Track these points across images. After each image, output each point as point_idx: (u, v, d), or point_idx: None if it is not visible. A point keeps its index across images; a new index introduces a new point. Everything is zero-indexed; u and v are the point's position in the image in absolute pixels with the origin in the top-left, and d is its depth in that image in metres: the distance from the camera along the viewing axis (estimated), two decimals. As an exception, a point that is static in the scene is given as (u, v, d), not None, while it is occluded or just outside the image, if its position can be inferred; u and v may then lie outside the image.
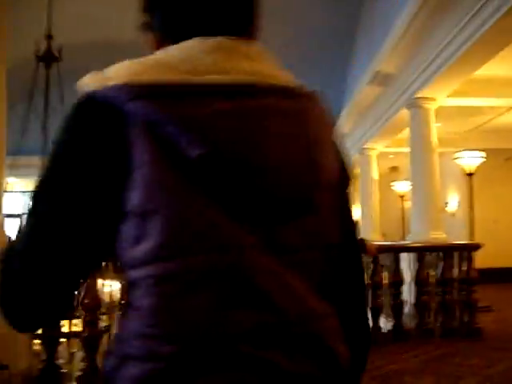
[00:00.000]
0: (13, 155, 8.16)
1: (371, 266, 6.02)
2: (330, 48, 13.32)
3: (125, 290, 0.83)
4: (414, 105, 8.47)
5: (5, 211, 4.52)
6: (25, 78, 7.26)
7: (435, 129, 8.45)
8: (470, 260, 6.43)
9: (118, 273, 4.19)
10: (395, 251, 6.38)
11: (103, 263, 0.94)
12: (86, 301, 4.25)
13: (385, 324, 6.19)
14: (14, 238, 0.86)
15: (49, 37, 7.07)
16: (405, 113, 8.92)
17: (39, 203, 0.83)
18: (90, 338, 3.95)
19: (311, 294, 0.88)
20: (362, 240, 3.18)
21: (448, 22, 6.77)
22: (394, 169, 16.16)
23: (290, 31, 12.83)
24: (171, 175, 0.78)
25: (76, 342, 5.46)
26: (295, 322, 0.83)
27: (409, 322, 6.32)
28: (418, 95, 8.27)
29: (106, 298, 5.59)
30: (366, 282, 5.97)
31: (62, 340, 4.86)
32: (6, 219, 5.17)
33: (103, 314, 4.88)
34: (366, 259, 6.17)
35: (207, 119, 0.79)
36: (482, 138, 11.73)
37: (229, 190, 0.80)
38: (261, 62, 0.92)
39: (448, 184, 13.51)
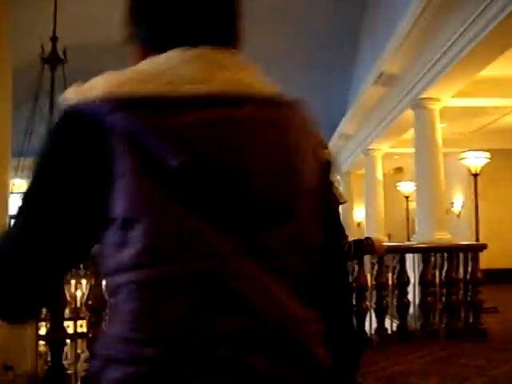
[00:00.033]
0: (18, 157, 8.19)
1: (376, 266, 6.02)
2: (334, 49, 13.33)
3: (108, 295, 0.83)
4: (419, 105, 8.46)
5: (11, 212, 4.53)
6: (30, 79, 7.28)
7: (440, 129, 8.43)
8: (475, 261, 6.41)
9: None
10: (400, 252, 6.37)
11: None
12: (89, 302, 4.27)
13: (390, 325, 6.18)
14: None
15: (53, 39, 7.09)
16: (409, 113, 8.91)
17: (25, 211, 0.86)
18: (94, 339, 3.95)
19: (292, 300, 0.89)
20: (369, 239, 3.17)
21: (452, 23, 6.76)
22: (399, 169, 16.14)
23: (295, 33, 12.85)
24: (152, 185, 0.80)
25: (81, 342, 5.48)
26: (275, 328, 0.85)
27: (414, 322, 6.31)
28: (423, 96, 8.26)
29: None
30: (372, 283, 5.97)
31: (67, 341, 4.87)
32: (13, 220, 5.17)
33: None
34: (371, 260, 6.17)
35: (185, 129, 0.81)
36: (486, 139, 11.71)
37: (208, 198, 0.82)
38: (242, 72, 0.93)
39: (453, 184, 13.49)
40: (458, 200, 14.03)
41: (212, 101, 0.85)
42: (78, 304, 5.82)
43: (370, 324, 5.94)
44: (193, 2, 0.97)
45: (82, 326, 5.33)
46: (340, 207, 3.09)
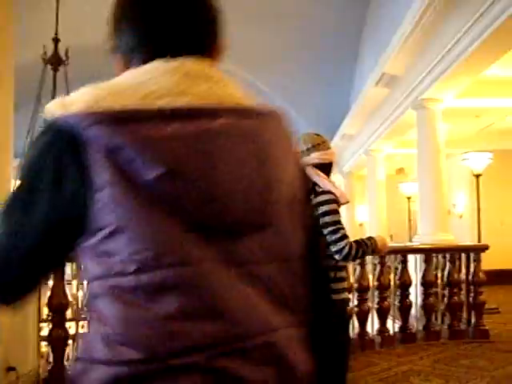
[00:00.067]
0: (20, 157, 8.20)
1: (378, 267, 6.02)
2: (336, 49, 13.32)
3: (92, 299, 0.88)
4: (421, 106, 8.45)
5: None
6: (32, 80, 7.29)
7: (442, 130, 8.42)
8: (477, 261, 6.41)
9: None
10: (402, 253, 6.36)
11: None
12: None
13: (392, 326, 6.18)
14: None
15: (56, 40, 7.09)
16: (412, 114, 8.90)
17: (8, 212, 0.91)
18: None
19: (267, 306, 0.92)
20: (371, 238, 3.16)
21: (455, 23, 6.75)
22: (401, 170, 16.13)
23: (297, 33, 12.84)
24: (131, 196, 0.84)
25: (83, 343, 5.48)
26: (249, 334, 0.88)
27: (416, 323, 6.31)
28: (425, 96, 8.25)
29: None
30: (374, 284, 5.97)
31: (69, 342, 4.87)
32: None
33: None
34: (373, 261, 6.17)
35: (161, 142, 0.85)
36: (489, 140, 11.70)
37: (184, 208, 0.86)
38: (219, 84, 0.97)
39: (455, 185, 13.47)
40: (461, 201, 14.01)
41: (187, 114, 0.89)
42: (80, 305, 5.83)
43: (372, 325, 5.94)
44: (171, 14, 1.00)
45: (84, 327, 5.33)
46: (342, 207, 3.09)
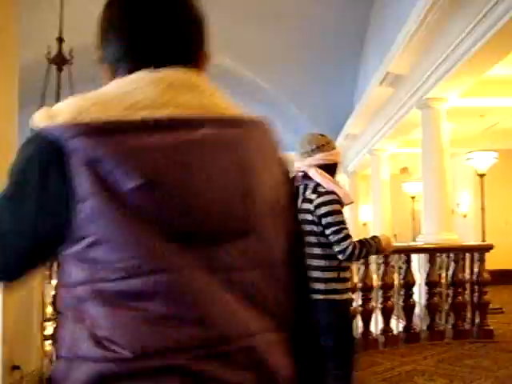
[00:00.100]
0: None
1: (382, 267, 6.01)
2: (340, 49, 13.32)
3: (76, 301, 0.91)
4: (425, 105, 8.43)
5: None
6: (36, 80, 7.31)
7: (447, 129, 8.41)
8: (481, 261, 6.40)
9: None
10: (406, 252, 6.36)
11: None
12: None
13: (396, 325, 6.17)
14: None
15: (60, 40, 7.10)
16: (416, 113, 8.88)
17: None
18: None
19: (248, 311, 0.94)
20: (375, 237, 3.16)
21: (459, 22, 6.73)
22: (405, 170, 16.10)
23: (302, 33, 12.84)
24: (112, 207, 0.86)
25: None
26: (228, 338, 0.91)
27: (420, 323, 6.30)
28: (429, 96, 8.23)
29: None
30: (378, 283, 5.96)
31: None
32: None
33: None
34: (377, 260, 6.17)
35: (140, 153, 0.88)
36: (493, 139, 11.67)
37: (164, 217, 0.88)
38: (203, 94, 0.99)
39: (459, 185, 13.45)
40: (465, 200, 13.99)
41: (167, 125, 0.91)
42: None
43: (376, 324, 5.94)
44: (156, 25, 1.03)
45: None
46: (346, 207, 3.09)
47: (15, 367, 3.57)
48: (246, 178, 0.96)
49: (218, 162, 0.93)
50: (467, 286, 6.45)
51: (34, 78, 7.27)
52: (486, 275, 6.37)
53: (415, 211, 14.85)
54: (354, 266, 5.53)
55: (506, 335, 6.47)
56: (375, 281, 5.97)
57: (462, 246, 7.09)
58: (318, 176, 3.01)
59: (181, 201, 0.89)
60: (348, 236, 2.94)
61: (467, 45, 6.67)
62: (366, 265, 5.71)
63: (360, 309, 5.67)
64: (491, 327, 6.34)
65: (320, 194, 2.98)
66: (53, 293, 4.21)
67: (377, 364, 5.10)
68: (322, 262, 2.99)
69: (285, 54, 13.67)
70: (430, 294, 6.23)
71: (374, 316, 5.84)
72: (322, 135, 3.19)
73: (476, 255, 6.47)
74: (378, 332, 5.93)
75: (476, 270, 6.39)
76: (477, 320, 6.34)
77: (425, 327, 6.23)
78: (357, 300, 5.63)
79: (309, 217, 3.01)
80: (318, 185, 3.02)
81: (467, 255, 6.57)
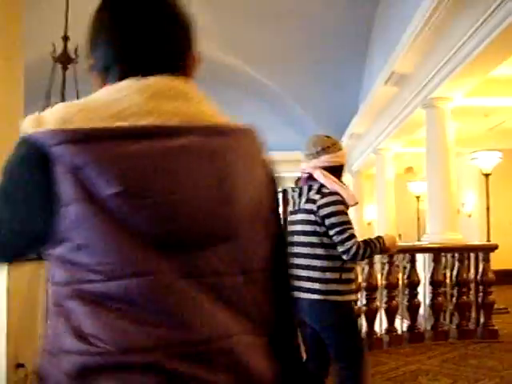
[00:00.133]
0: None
1: (386, 266, 6.00)
2: (345, 48, 13.31)
3: (61, 299, 0.95)
4: (430, 105, 8.41)
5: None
6: (42, 78, 7.32)
7: (452, 129, 8.39)
8: (486, 261, 6.39)
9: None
10: (411, 252, 6.35)
11: None
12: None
13: (400, 325, 6.16)
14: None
15: (65, 38, 7.11)
16: (420, 113, 8.87)
17: None
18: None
19: (226, 314, 0.97)
20: (380, 237, 3.16)
21: (464, 22, 6.72)
22: (410, 169, 16.08)
23: (306, 33, 12.84)
24: (93, 213, 0.90)
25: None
26: (205, 339, 0.93)
27: (424, 323, 6.29)
28: (434, 95, 8.22)
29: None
30: (382, 283, 5.95)
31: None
32: None
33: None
34: (382, 260, 6.16)
35: (120, 161, 0.90)
36: (498, 139, 11.64)
37: (144, 222, 0.91)
38: (188, 102, 1.01)
39: (464, 185, 13.43)
40: (470, 200, 13.96)
41: (149, 133, 0.94)
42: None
43: (381, 324, 5.93)
44: (144, 34, 1.05)
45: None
46: (351, 207, 3.08)
47: (20, 365, 3.57)
48: (228, 186, 0.98)
49: (198, 170, 0.95)
50: (472, 285, 6.44)
51: (38, 77, 7.28)
52: (490, 275, 6.35)
53: (420, 211, 14.82)
54: (358, 266, 5.53)
55: (510, 335, 6.45)
56: (380, 280, 5.96)
57: (467, 246, 7.08)
58: (322, 178, 3.02)
59: (159, 209, 0.92)
60: (352, 236, 2.94)
61: (472, 45, 6.66)
62: (371, 264, 5.70)
63: (364, 308, 5.66)
64: (496, 327, 6.33)
65: (324, 195, 2.98)
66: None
67: (381, 363, 5.10)
68: (323, 263, 2.99)
69: (290, 54, 13.67)
70: (435, 294, 6.22)
71: (378, 315, 5.83)
72: (328, 137, 3.19)
73: (481, 255, 6.46)
74: (383, 332, 5.92)
75: (481, 269, 6.38)
76: (481, 320, 6.33)
77: (429, 327, 6.22)
78: (361, 299, 5.63)
79: (312, 217, 3.01)
80: (322, 186, 3.02)
81: (472, 255, 6.56)
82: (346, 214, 2.99)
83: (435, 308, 6.22)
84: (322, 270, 2.97)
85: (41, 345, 0.97)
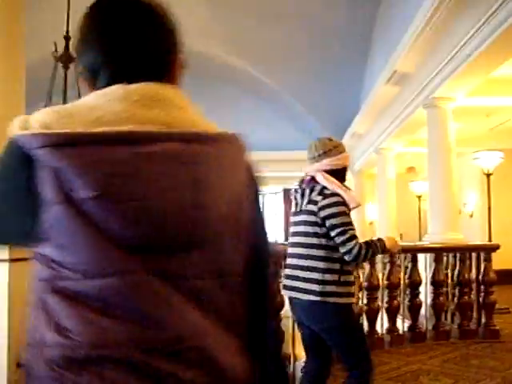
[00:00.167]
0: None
1: (387, 266, 6.00)
2: (347, 48, 13.31)
3: (41, 294, 1.00)
4: (432, 105, 8.41)
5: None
6: (43, 78, 7.32)
7: (453, 129, 8.38)
8: (487, 261, 6.39)
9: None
10: (412, 251, 6.35)
11: None
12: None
13: (401, 325, 6.16)
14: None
15: (67, 38, 7.11)
16: (422, 112, 8.86)
17: None
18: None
19: (198, 314, 1.00)
20: (380, 239, 3.16)
21: (466, 21, 6.72)
22: (411, 169, 16.08)
23: (308, 32, 12.84)
24: (71, 214, 0.93)
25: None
26: (178, 336, 0.97)
27: (425, 323, 6.29)
28: (436, 95, 8.21)
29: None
30: (384, 283, 5.95)
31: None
32: None
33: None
34: (383, 259, 6.16)
35: (97, 166, 0.94)
36: (500, 138, 11.63)
37: (118, 225, 0.95)
38: (174, 108, 1.04)
39: (466, 184, 13.42)
40: (471, 200, 13.95)
41: (128, 138, 0.97)
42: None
43: (382, 324, 5.93)
44: (131, 41, 1.08)
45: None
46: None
47: (21, 365, 3.58)
48: (202, 193, 1.00)
49: (173, 176, 0.98)
50: (473, 285, 6.44)
51: (40, 77, 7.29)
52: (492, 275, 6.35)
53: (421, 210, 14.82)
54: (360, 269, 5.52)
55: (512, 335, 6.45)
56: (381, 280, 5.96)
57: (469, 246, 7.07)
58: (324, 180, 3.03)
59: (131, 213, 0.95)
60: (354, 237, 2.94)
61: (473, 45, 6.66)
62: (372, 264, 5.70)
63: (365, 308, 5.66)
64: (497, 327, 6.32)
65: (325, 196, 2.99)
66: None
67: (382, 363, 5.09)
68: (322, 264, 2.99)
69: (292, 53, 13.67)
70: (436, 294, 6.21)
71: (379, 315, 5.83)
72: (330, 139, 3.20)
73: (482, 255, 6.46)
74: (384, 331, 5.92)
75: (482, 269, 6.37)
76: (483, 320, 6.32)
77: (430, 327, 6.22)
78: (362, 299, 5.63)
79: (312, 218, 3.01)
80: (324, 188, 3.03)
81: (473, 255, 6.56)
82: (348, 215, 3.00)
83: (436, 308, 6.21)
84: (321, 271, 2.97)
85: (26, 337, 1.01)
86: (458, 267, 6.39)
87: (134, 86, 1.03)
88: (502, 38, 6.09)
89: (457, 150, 8.59)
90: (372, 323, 5.70)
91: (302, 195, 3.13)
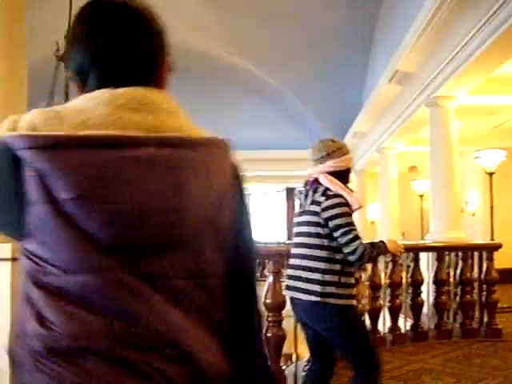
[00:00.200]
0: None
1: (390, 265, 6.00)
2: (349, 47, 13.31)
3: (26, 289, 1.05)
4: (434, 103, 8.41)
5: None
6: (45, 77, 7.34)
7: (455, 128, 8.38)
8: (490, 260, 6.38)
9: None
10: (415, 250, 6.34)
11: None
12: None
13: (403, 324, 6.16)
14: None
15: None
16: (424, 111, 8.86)
17: None
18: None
19: (176, 313, 1.02)
20: (382, 242, 3.16)
21: (468, 20, 6.71)
22: (414, 168, 16.07)
23: (309, 32, 12.85)
24: (53, 213, 0.97)
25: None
26: (155, 331, 0.99)
27: (427, 322, 6.29)
28: (438, 94, 8.21)
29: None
30: (386, 281, 5.95)
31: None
32: None
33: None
34: (385, 259, 6.16)
35: (78, 168, 0.97)
36: (502, 137, 11.62)
37: (94, 226, 0.98)
38: (158, 113, 1.06)
39: (468, 183, 13.41)
40: (473, 199, 13.94)
41: (110, 142, 0.99)
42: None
43: (384, 323, 5.93)
44: (118, 46, 1.10)
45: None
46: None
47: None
48: (181, 196, 1.02)
49: (153, 180, 1.00)
50: (475, 284, 6.43)
51: (42, 77, 7.30)
52: (494, 274, 6.35)
53: (423, 209, 14.81)
54: (363, 272, 5.52)
55: (514, 334, 6.44)
56: (383, 279, 5.96)
57: (471, 245, 7.06)
58: (327, 182, 3.03)
59: (108, 214, 0.98)
60: (357, 237, 2.94)
61: (475, 44, 6.66)
62: (374, 263, 5.70)
63: (368, 307, 5.66)
64: (499, 326, 6.32)
65: (328, 197, 2.99)
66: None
67: (384, 362, 5.05)
68: (323, 265, 2.98)
69: (293, 54, 13.68)
70: (438, 293, 6.21)
71: (381, 314, 5.83)
72: (334, 141, 3.20)
73: (484, 254, 6.46)
74: (386, 330, 5.92)
75: (484, 268, 6.37)
76: (485, 319, 6.32)
77: (433, 326, 6.21)
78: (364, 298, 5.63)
79: (315, 219, 3.01)
80: (327, 189, 3.03)
81: (475, 254, 6.55)
82: (351, 215, 3.00)
83: (439, 307, 6.21)
84: (322, 271, 2.97)
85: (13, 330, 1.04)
86: (460, 266, 6.39)
87: (121, 90, 1.05)
88: (503, 38, 6.09)
89: (459, 148, 8.59)
90: (374, 322, 5.70)
91: (306, 196, 3.14)
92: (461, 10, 6.70)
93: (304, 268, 3.05)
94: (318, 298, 2.95)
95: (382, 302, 5.84)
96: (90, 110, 1.02)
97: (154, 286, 1.00)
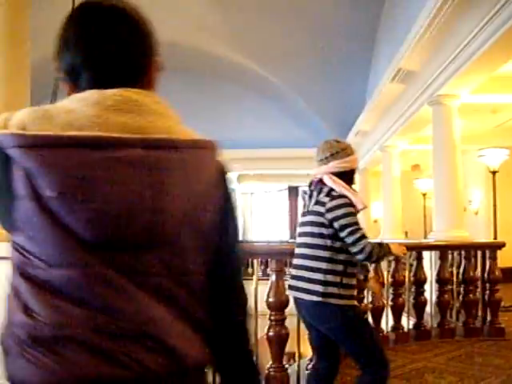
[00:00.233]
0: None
1: (392, 264, 6.00)
2: (352, 46, 13.31)
3: (14, 282, 1.09)
4: (437, 102, 8.39)
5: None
6: (47, 77, 7.36)
7: (458, 126, 8.37)
8: (493, 259, 6.38)
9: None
10: (417, 249, 6.34)
11: None
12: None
13: (406, 323, 6.16)
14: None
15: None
16: (427, 110, 8.85)
17: None
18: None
19: (158, 308, 1.05)
20: (381, 244, 3.16)
21: (471, 18, 6.70)
22: (417, 166, 16.06)
23: (313, 30, 12.85)
24: (38, 209, 1.00)
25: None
26: (138, 323, 1.02)
27: (430, 320, 6.29)
28: (441, 92, 8.19)
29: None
30: (388, 280, 5.95)
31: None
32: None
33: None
34: (388, 257, 6.15)
35: (66, 168, 0.99)
36: (505, 136, 11.59)
37: (76, 224, 1.01)
38: (145, 114, 1.07)
39: (471, 182, 13.39)
40: (476, 198, 13.92)
41: (93, 143, 1.01)
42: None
43: (387, 321, 5.93)
44: (107, 48, 1.11)
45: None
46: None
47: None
48: (163, 197, 1.04)
49: (135, 180, 1.03)
50: (478, 283, 6.43)
51: (45, 76, 7.31)
52: (497, 273, 6.34)
53: (426, 208, 14.80)
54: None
55: (517, 333, 6.44)
56: (386, 278, 5.96)
57: (474, 244, 7.06)
58: (331, 182, 3.03)
59: (90, 213, 1.01)
60: (364, 236, 2.94)
61: (477, 44, 6.64)
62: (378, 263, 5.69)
63: (370, 306, 5.66)
64: (502, 325, 6.32)
65: (333, 198, 2.99)
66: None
67: (387, 361, 5.09)
68: (325, 265, 2.99)
69: (297, 53, 13.68)
70: (441, 292, 6.21)
71: (384, 313, 5.83)
72: (338, 141, 3.20)
73: (487, 253, 6.45)
74: (389, 329, 5.92)
75: (487, 267, 6.37)
76: (488, 318, 6.32)
77: (435, 325, 6.22)
78: (367, 297, 5.63)
79: (319, 219, 3.02)
80: (331, 189, 3.03)
81: (479, 253, 6.55)
82: (356, 215, 3.00)
83: (441, 306, 6.21)
84: (324, 272, 2.98)
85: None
86: (463, 265, 6.38)
87: (109, 91, 1.07)
88: (506, 36, 6.08)
89: (462, 147, 8.57)
90: (377, 321, 5.70)
91: (310, 196, 3.14)
92: (463, 9, 6.69)
93: (306, 268, 3.06)
94: (320, 298, 2.96)
95: (384, 300, 5.84)
96: (80, 110, 1.04)
97: (138, 283, 1.03)
